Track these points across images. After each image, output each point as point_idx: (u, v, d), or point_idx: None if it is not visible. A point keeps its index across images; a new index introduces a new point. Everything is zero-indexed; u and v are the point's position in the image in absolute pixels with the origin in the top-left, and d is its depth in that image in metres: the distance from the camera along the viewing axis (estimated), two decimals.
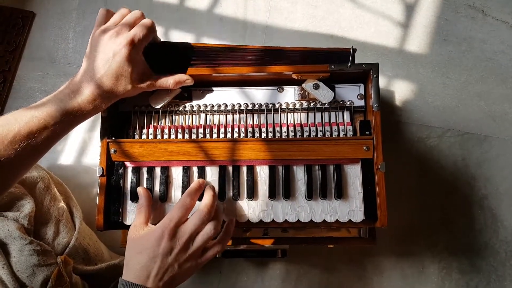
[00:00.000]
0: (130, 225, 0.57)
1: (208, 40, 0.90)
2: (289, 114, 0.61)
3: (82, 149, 0.86)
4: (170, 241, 0.50)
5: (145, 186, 0.58)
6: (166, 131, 0.60)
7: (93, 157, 0.85)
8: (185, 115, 0.61)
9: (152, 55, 0.56)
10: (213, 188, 0.56)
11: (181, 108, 0.61)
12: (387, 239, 0.80)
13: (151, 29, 0.55)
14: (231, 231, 0.56)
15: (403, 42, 0.89)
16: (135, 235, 0.52)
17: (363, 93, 0.60)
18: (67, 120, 0.50)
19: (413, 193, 0.83)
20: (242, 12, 0.91)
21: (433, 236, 0.81)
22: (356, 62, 0.58)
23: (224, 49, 0.60)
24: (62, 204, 0.68)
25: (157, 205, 0.58)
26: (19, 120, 0.48)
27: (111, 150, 0.57)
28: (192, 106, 0.61)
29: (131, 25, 0.54)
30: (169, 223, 0.51)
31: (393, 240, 0.81)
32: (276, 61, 0.59)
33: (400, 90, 0.87)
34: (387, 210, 0.55)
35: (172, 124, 0.61)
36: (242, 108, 0.60)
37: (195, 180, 0.57)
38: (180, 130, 0.60)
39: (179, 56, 0.59)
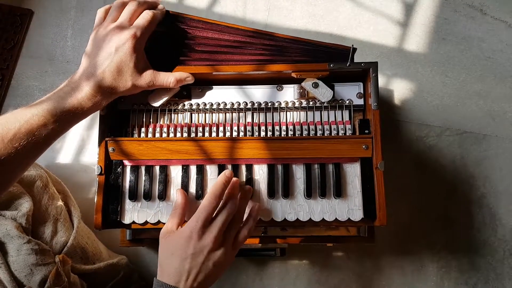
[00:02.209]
0: (128, 224, 0.57)
1: None
2: (288, 113, 0.61)
3: (80, 148, 0.85)
4: (199, 241, 0.50)
5: (143, 185, 0.58)
6: (165, 129, 0.59)
7: (92, 156, 0.84)
8: (184, 113, 0.61)
9: (152, 49, 0.56)
10: (247, 191, 0.56)
11: (180, 107, 0.60)
12: (386, 238, 0.80)
13: (152, 21, 0.54)
14: (256, 214, 0.55)
15: (402, 41, 0.89)
16: (166, 237, 0.52)
17: (362, 92, 0.60)
18: (67, 117, 0.50)
19: (412, 191, 0.83)
20: (241, 10, 0.91)
21: (432, 234, 0.81)
22: (355, 61, 0.58)
23: (224, 34, 0.59)
24: (60, 203, 0.68)
25: (157, 204, 0.57)
26: (19, 119, 0.48)
27: (110, 149, 0.57)
28: (191, 105, 0.60)
29: (131, 19, 0.54)
30: (196, 224, 0.51)
31: (392, 238, 0.81)
32: (276, 56, 0.58)
33: (399, 89, 0.87)
34: (386, 208, 0.55)
35: (171, 122, 0.61)
36: (242, 106, 0.60)
37: (221, 173, 0.55)
38: (179, 129, 0.59)
39: (178, 48, 0.59)
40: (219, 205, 0.53)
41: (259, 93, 0.61)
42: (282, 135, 0.59)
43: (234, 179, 0.56)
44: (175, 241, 0.51)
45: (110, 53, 0.52)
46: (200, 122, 0.61)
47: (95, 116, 0.82)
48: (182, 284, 0.49)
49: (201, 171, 0.58)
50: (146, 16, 0.54)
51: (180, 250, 0.50)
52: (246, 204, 0.56)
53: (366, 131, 0.58)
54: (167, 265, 0.51)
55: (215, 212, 0.53)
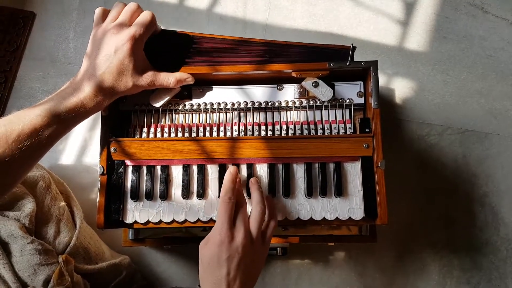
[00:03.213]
0: (130, 223, 0.58)
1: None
2: (288, 112, 0.61)
3: (82, 148, 0.86)
4: (230, 243, 0.50)
5: (145, 185, 0.58)
6: (166, 129, 0.60)
7: (94, 156, 0.85)
8: (185, 113, 0.61)
9: (152, 50, 0.56)
10: (256, 181, 0.56)
11: (181, 107, 0.61)
12: (388, 237, 0.80)
13: (151, 23, 0.55)
14: (273, 205, 0.56)
15: (403, 39, 0.89)
16: (203, 246, 0.52)
17: (362, 91, 0.60)
18: (69, 117, 0.50)
19: (413, 190, 0.83)
20: (241, 11, 0.91)
21: (434, 233, 0.81)
22: (355, 60, 0.58)
23: (224, 45, 0.59)
24: (62, 203, 0.68)
25: (157, 204, 0.58)
26: (22, 119, 0.48)
27: (112, 149, 0.57)
28: (192, 105, 0.61)
29: (130, 20, 0.54)
30: (222, 228, 0.50)
31: (393, 237, 0.81)
32: (275, 58, 0.59)
33: (400, 88, 0.87)
34: (387, 207, 0.55)
35: (172, 122, 0.61)
36: (242, 106, 0.60)
37: (227, 172, 0.55)
38: (180, 129, 0.60)
39: (178, 51, 0.59)
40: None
41: (259, 93, 0.61)
42: (283, 135, 0.59)
43: (239, 176, 0.56)
44: (209, 251, 0.51)
45: (110, 54, 0.52)
46: (201, 122, 0.61)
47: (97, 117, 0.83)
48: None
49: (202, 171, 0.58)
50: (145, 15, 0.54)
51: (215, 257, 0.50)
52: (262, 196, 0.55)
53: (367, 130, 0.58)
54: (205, 277, 0.50)
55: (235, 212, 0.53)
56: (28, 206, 0.62)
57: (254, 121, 0.60)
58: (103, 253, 0.72)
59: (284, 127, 0.59)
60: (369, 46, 0.89)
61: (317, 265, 0.80)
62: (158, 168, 0.59)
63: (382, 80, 0.87)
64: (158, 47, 0.58)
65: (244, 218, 0.52)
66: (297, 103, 0.60)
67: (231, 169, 0.55)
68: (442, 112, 0.86)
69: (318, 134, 0.59)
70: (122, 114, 0.61)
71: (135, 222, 0.58)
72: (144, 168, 0.59)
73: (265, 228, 0.54)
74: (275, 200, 0.57)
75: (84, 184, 0.83)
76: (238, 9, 0.91)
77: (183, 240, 0.69)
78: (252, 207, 0.53)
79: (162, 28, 0.59)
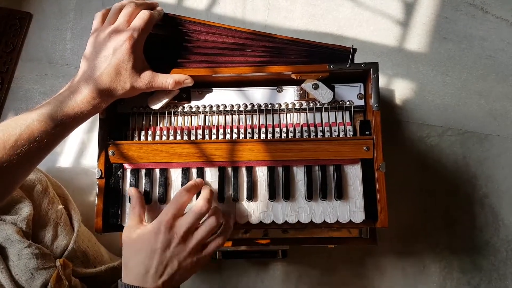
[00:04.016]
0: None
1: None
2: (288, 115, 0.60)
3: (81, 151, 0.85)
4: (167, 233, 0.49)
5: (143, 188, 0.58)
6: (165, 132, 0.59)
7: (92, 159, 0.84)
8: (184, 116, 0.61)
9: (150, 50, 0.56)
10: (210, 187, 0.56)
11: (179, 109, 0.60)
12: (388, 238, 0.80)
13: (149, 21, 0.54)
14: (231, 224, 0.55)
15: (403, 40, 0.89)
16: (130, 235, 0.51)
17: (362, 93, 0.60)
18: (67, 121, 0.50)
19: (413, 192, 0.83)
20: (240, 11, 0.91)
21: (434, 235, 0.81)
22: (355, 60, 0.57)
23: (224, 38, 0.58)
24: (60, 206, 0.67)
25: (156, 207, 0.57)
26: (20, 124, 0.47)
27: (110, 152, 0.57)
28: (191, 107, 0.60)
29: (128, 22, 0.54)
30: (165, 217, 0.50)
31: (394, 239, 0.80)
32: (276, 58, 0.58)
33: (400, 89, 0.87)
34: (387, 210, 0.55)
35: (171, 125, 0.60)
36: (241, 108, 0.60)
37: (192, 179, 0.57)
38: (179, 132, 0.59)
39: (177, 51, 0.58)
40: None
41: (259, 95, 0.60)
42: (283, 137, 0.59)
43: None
44: (141, 237, 0.50)
45: (108, 55, 0.52)
46: (200, 124, 0.60)
47: (95, 119, 0.81)
48: (149, 283, 0.48)
49: (201, 174, 0.58)
50: (143, 16, 0.54)
51: (147, 245, 0.49)
52: (220, 215, 0.54)
53: (367, 132, 0.58)
54: (132, 264, 0.49)
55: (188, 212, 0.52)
56: (25, 210, 0.61)
57: (254, 123, 0.60)
58: (102, 256, 0.72)
59: (284, 129, 0.59)
60: (369, 46, 0.88)
61: (317, 268, 0.80)
62: (157, 171, 0.58)
63: (382, 81, 0.86)
64: (156, 47, 0.58)
65: (192, 221, 0.50)
66: (297, 105, 0.60)
67: (197, 179, 0.56)
68: (442, 113, 0.85)
69: (318, 136, 0.59)
70: (120, 117, 0.60)
71: None
72: (143, 172, 0.58)
73: (210, 241, 0.53)
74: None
75: (82, 187, 0.82)
76: (237, 10, 0.91)
77: None
78: (210, 216, 0.53)
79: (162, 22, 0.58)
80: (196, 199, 0.55)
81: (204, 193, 0.54)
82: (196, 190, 0.55)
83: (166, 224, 0.50)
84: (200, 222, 0.53)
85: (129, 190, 0.56)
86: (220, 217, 0.53)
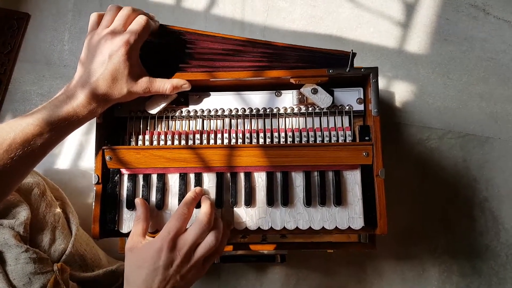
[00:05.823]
0: (126, 233, 0.57)
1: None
2: (287, 119, 0.60)
3: (78, 153, 0.85)
4: (170, 252, 0.49)
5: (141, 193, 0.57)
6: (163, 137, 0.59)
7: (90, 161, 0.84)
8: (182, 120, 0.60)
9: (148, 55, 0.55)
10: (209, 198, 0.56)
11: (177, 114, 0.60)
12: (387, 242, 0.80)
13: (146, 27, 0.53)
14: (228, 235, 0.56)
15: (403, 42, 0.88)
16: (133, 248, 0.51)
17: (362, 97, 0.59)
18: (62, 125, 0.49)
19: (413, 195, 0.82)
20: (239, 12, 0.90)
21: (434, 238, 0.80)
22: (355, 62, 0.56)
23: (223, 45, 0.58)
24: (58, 210, 0.67)
25: (154, 213, 0.57)
26: (14, 128, 0.47)
27: (107, 157, 0.56)
28: (188, 112, 0.60)
29: (125, 25, 0.53)
30: (168, 235, 0.50)
31: (393, 243, 0.80)
32: (274, 63, 0.58)
33: (400, 91, 0.86)
34: (387, 216, 0.54)
35: (168, 129, 0.60)
36: (240, 113, 0.59)
37: (191, 190, 0.56)
38: (176, 136, 0.59)
39: (174, 54, 0.58)
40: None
41: (257, 99, 0.60)
42: (281, 142, 0.58)
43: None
44: (144, 253, 0.50)
45: (104, 60, 0.51)
46: (197, 129, 0.60)
47: (93, 121, 0.81)
48: None
49: (199, 179, 0.57)
50: (140, 21, 0.53)
51: (149, 262, 0.49)
52: (221, 230, 0.54)
53: (367, 138, 0.57)
54: (134, 279, 0.49)
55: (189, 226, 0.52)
56: (23, 214, 0.61)
57: (252, 128, 0.59)
58: (100, 260, 0.72)
59: (283, 134, 0.58)
60: (369, 48, 0.87)
61: (315, 272, 0.80)
62: (154, 176, 0.58)
63: (382, 83, 0.85)
64: (154, 51, 0.57)
65: (194, 239, 0.51)
66: (295, 110, 0.59)
67: (196, 189, 0.56)
68: (442, 116, 0.85)
69: (317, 141, 0.58)
70: (118, 121, 0.60)
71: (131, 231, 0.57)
72: (140, 177, 0.58)
73: (207, 257, 0.53)
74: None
75: (80, 189, 0.82)
76: (236, 11, 0.90)
77: None
78: (211, 231, 0.53)
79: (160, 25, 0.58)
80: (198, 208, 0.55)
81: (205, 207, 0.53)
82: (196, 202, 0.55)
83: (169, 243, 0.50)
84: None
85: (136, 200, 0.56)
86: (219, 234, 0.53)
